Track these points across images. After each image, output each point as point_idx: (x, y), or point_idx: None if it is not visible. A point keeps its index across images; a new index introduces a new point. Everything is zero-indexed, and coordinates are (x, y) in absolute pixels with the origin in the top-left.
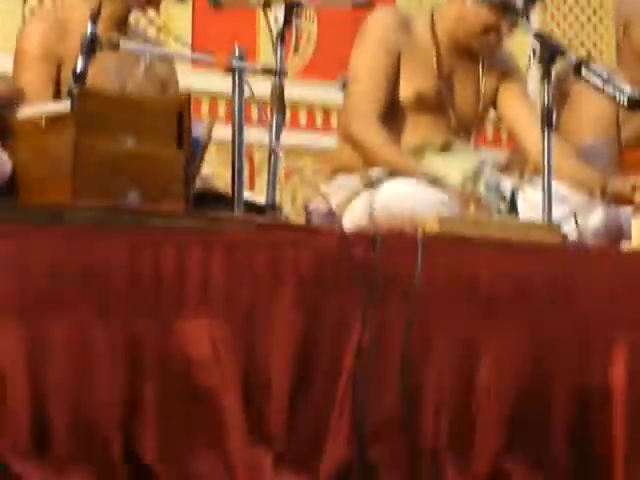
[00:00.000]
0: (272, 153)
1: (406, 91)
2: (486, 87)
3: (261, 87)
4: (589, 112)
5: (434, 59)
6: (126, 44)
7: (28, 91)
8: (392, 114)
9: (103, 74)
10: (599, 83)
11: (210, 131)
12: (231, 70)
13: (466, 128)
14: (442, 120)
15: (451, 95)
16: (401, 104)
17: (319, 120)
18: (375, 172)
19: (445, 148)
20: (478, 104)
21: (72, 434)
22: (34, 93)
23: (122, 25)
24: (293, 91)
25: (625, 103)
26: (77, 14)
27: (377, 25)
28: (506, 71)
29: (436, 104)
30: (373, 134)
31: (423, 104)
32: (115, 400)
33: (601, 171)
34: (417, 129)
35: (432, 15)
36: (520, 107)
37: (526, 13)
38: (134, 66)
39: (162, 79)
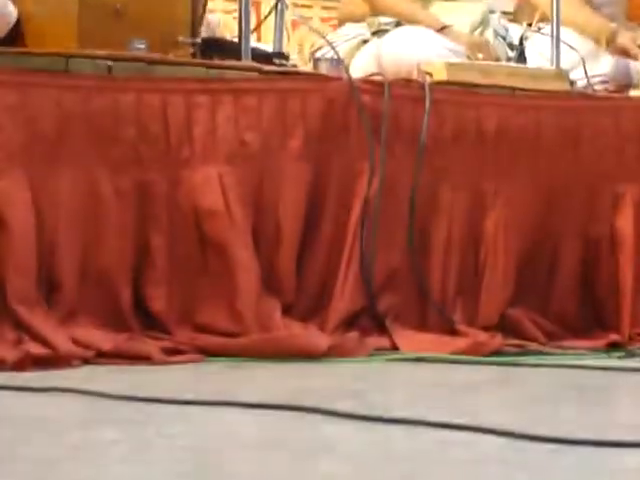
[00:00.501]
0: (278, 1)
1: None
2: None
3: None
4: None
5: None
6: None
7: None
8: None
9: None
10: None
11: None
12: None
13: None
14: None
15: None
16: None
17: None
18: (382, 20)
19: None
20: None
21: (81, 282)
22: None
23: None
24: None
25: None
26: None
27: None
28: None
29: None
30: None
31: None
32: (124, 249)
33: (609, 19)
34: None
35: None
36: None
37: None
38: None
39: None
